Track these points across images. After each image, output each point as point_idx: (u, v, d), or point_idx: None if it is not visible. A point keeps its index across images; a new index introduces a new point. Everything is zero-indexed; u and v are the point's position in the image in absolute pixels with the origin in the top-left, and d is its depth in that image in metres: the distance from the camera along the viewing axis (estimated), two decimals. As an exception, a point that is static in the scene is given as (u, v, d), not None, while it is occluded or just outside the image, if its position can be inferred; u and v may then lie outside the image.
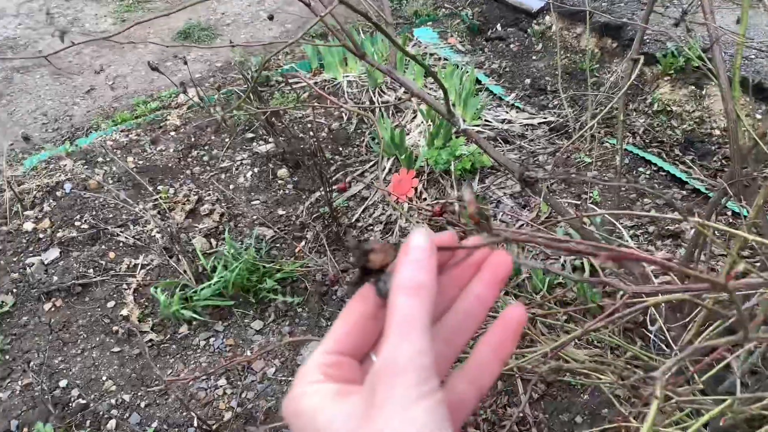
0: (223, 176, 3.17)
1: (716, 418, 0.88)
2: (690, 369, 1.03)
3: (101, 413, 2.15)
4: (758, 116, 2.97)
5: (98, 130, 3.57)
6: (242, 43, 1.14)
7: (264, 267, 2.51)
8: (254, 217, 2.89)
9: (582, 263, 2.38)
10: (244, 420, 2.12)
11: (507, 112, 3.50)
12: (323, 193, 2.63)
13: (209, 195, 3.02)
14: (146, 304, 2.51)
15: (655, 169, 2.98)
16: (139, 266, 2.66)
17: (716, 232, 1.61)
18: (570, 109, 3.30)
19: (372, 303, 0.40)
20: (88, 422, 2.13)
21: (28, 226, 2.83)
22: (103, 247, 2.75)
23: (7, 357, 2.34)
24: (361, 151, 3.30)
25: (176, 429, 2.11)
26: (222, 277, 2.42)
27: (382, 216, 2.86)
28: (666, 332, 1.43)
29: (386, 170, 3.07)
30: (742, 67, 1.62)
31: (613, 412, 1.84)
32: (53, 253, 2.71)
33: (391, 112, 3.45)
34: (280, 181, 3.14)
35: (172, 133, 3.46)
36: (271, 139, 3.27)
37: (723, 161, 2.94)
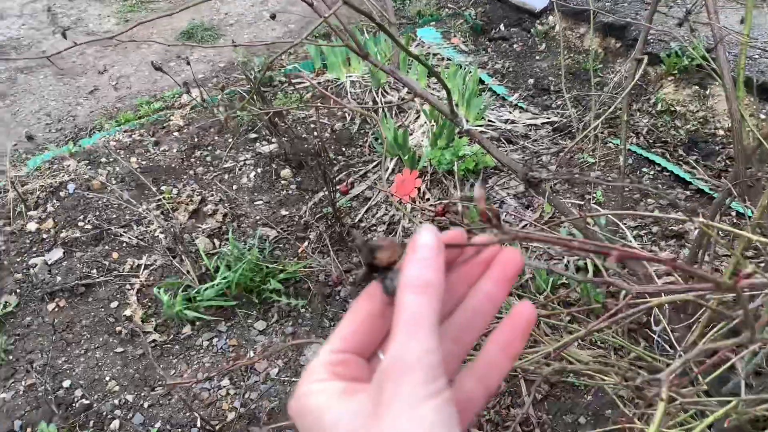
0: (226, 176, 3.17)
1: (721, 420, 0.87)
2: (694, 370, 1.03)
3: (104, 413, 2.16)
4: (762, 116, 2.96)
5: (101, 130, 3.58)
6: (245, 43, 1.14)
7: (267, 267, 2.51)
8: (257, 217, 2.89)
9: (585, 263, 2.38)
10: (247, 420, 2.12)
11: (510, 113, 3.49)
12: (326, 193, 2.63)
13: (212, 195, 3.02)
14: (149, 304, 2.52)
15: (658, 169, 2.97)
16: (143, 266, 2.66)
17: (720, 232, 1.60)
18: (573, 110, 3.29)
19: (379, 301, 0.40)
20: (91, 422, 2.13)
21: (32, 226, 2.83)
22: (107, 247, 2.75)
23: (11, 357, 2.34)
24: (364, 152, 3.29)
25: (179, 429, 2.11)
26: (225, 277, 2.42)
27: (385, 216, 2.86)
28: (670, 333, 1.42)
29: (389, 170, 3.07)
30: (746, 67, 1.61)
31: (617, 413, 1.84)
32: (57, 253, 2.72)
33: (394, 112, 3.45)
34: (283, 182, 3.14)
35: (176, 134, 3.46)
36: (274, 140, 3.27)
37: (727, 161, 2.93)
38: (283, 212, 2.95)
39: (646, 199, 2.79)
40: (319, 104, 3.60)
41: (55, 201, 2.96)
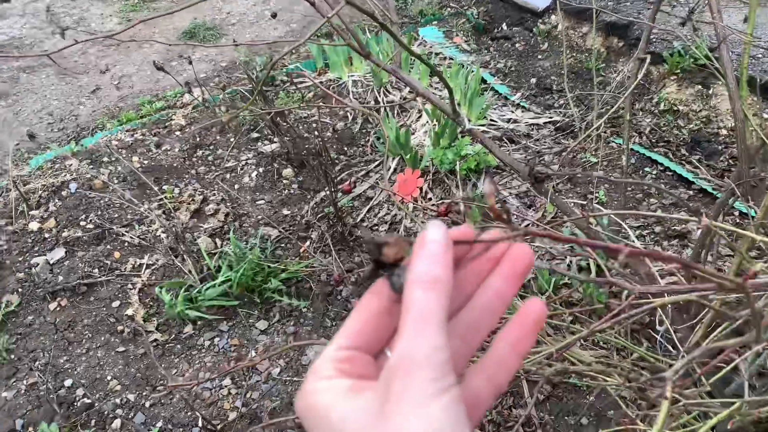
0: (228, 176, 3.17)
1: (724, 421, 0.87)
2: (697, 371, 1.02)
3: (106, 413, 2.16)
4: (766, 116, 2.95)
5: (104, 129, 3.58)
6: (246, 42, 1.14)
7: (269, 267, 2.50)
8: (259, 216, 2.89)
9: (588, 264, 2.37)
10: (248, 420, 2.11)
11: (512, 112, 3.48)
12: (328, 192, 2.62)
13: (214, 195, 3.02)
14: (151, 303, 2.52)
15: (661, 168, 2.97)
16: (144, 266, 2.66)
17: (723, 232, 1.60)
18: (576, 109, 3.28)
19: (386, 298, 0.39)
20: (92, 422, 2.13)
21: (34, 225, 2.84)
22: (109, 246, 2.75)
23: (13, 356, 2.34)
24: (366, 151, 3.29)
25: (181, 429, 2.11)
26: (227, 277, 2.42)
27: (387, 216, 2.86)
28: (673, 333, 1.42)
29: (391, 170, 3.06)
30: (749, 67, 1.61)
31: (620, 414, 1.83)
32: (58, 252, 2.72)
33: (396, 111, 3.44)
34: (285, 181, 3.14)
35: (177, 133, 3.46)
36: (276, 139, 3.27)
37: (730, 161, 2.92)
38: (285, 212, 2.95)
39: (648, 199, 2.78)
40: (321, 103, 3.59)
41: (57, 200, 2.97)
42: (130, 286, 2.58)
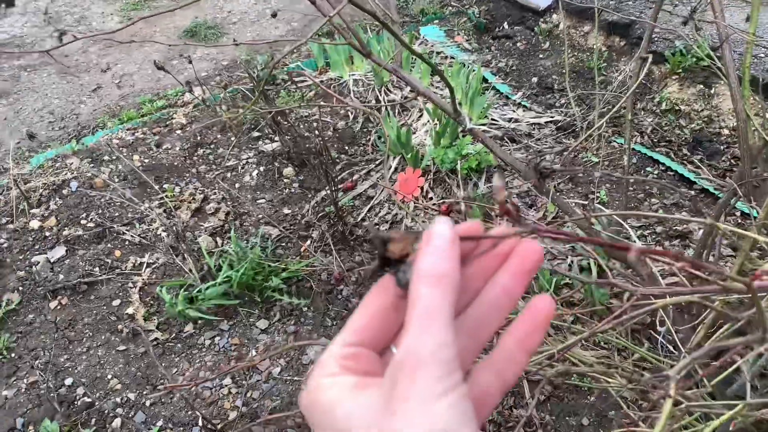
0: (228, 175, 3.17)
1: (726, 423, 0.86)
2: (699, 372, 1.02)
3: (106, 411, 2.15)
4: (768, 116, 2.94)
5: (104, 128, 3.58)
6: (247, 41, 1.13)
7: (269, 266, 2.50)
8: (260, 216, 2.89)
9: (589, 264, 2.37)
10: (249, 419, 2.11)
11: (514, 111, 3.48)
12: (329, 192, 2.62)
13: (215, 194, 3.02)
14: (152, 302, 2.51)
15: (663, 168, 2.96)
16: (145, 265, 2.66)
17: (727, 232, 1.59)
18: (577, 108, 3.28)
19: (392, 294, 0.39)
20: (93, 420, 2.13)
21: (35, 224, 2.83)
22: (109, 245, 2.75)
23: (13, 355, 2.34)
24: (367, 150, 3.29)
25: (181, 428, 2.10)
26: (227, 276, 2.42)
27: (388, 215, 2.85)
28: (674, 334, 1.41)
29: (392, 169, 3.06)
30: (751, 66, 1.60)
31: (621, 415, 1.83)
32: (59, 251, 2.72)
33: (397, 110, 3.44)
34: (285, 180, 3.13)
35: (178, 132, 3.46)
36: (276, 138, 3.27)
37: (732, 161, 2.91)
38: (286, 211, 2.94)
39: (650, 199, 2.78)
40: (322, 103, 3.59)
41: (57, 199, 2.96)
42: (130, 284, 2.58)
